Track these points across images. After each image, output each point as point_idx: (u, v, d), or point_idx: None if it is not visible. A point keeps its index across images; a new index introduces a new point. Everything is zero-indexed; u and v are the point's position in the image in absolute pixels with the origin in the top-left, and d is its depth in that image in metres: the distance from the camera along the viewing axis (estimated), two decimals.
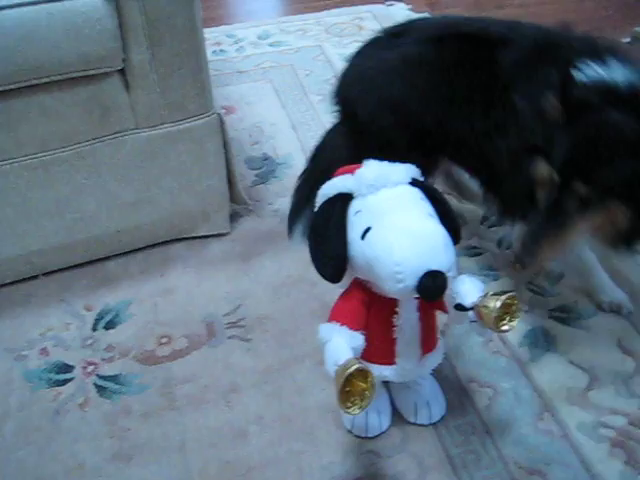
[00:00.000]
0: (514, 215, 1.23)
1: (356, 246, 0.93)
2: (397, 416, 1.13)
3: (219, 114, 1.38)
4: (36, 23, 1.14)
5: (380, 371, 1.00)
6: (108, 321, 1.33)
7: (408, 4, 2.52)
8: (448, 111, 1.23)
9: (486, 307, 0.91)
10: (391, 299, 0.96)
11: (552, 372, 1.20)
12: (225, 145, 1.41)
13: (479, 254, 1.44)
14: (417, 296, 0.91)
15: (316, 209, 0.99)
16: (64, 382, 1.22)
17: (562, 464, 1.06)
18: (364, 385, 0.88)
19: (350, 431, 1.11)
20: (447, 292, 0.92)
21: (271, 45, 2.28)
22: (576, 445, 1.08)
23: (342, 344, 0.91)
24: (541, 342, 1.25)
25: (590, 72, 1.07)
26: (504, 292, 0.92)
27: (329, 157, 1.34)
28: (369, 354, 0.97)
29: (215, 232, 1.50)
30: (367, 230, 0.91)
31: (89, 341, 1.29)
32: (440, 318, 1.11)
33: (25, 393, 1.21)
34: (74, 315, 1.35)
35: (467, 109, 1.22)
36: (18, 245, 1.34)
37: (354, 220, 0.94)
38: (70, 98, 1.24)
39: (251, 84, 2.06)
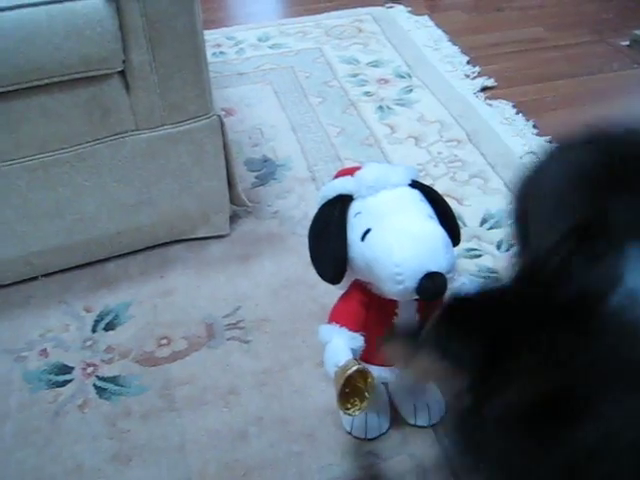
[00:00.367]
0: None
1: (356, 247, 0.93)
2: (396, 418, 1.13)
3: (219, 116, 1.38)
4: (36, 24, 1.14)
5: (380, 373, 1.00)
6: (108, 322, 1.33)
7: (408, 6, 2.52)
8: None
9: None
10: (391, 300, 0.96)
11: None
12: (225, 147, 1.41)
13: (479, 256, 1.44)
14: (417, 297, 0.91)
15: (316, 211, 1.00)
16: (64, 383, 1.22)
17: None
18: (363, 386, 0.88)
19: (349, 432, 1.11)
20: (447, 293, 0.93)
21: (271, 47, 2.28)
22: None
23: (342, 345, 0.92)
24: None
25: None
26: None
27: None
28: (369, 355, 0.98)
29: (215, 234, 1.50)
30: (367, 231, 0.92)
31: (89, 342, 1.29)
32: None
33: (24, 394, 1.21)
34: (74, 316, 1.35)
35: None
36: (18, 246, 1.34)
37: (354, 222, 0.94)
38: (70, 99, 1.24)
39: (251, 86, 2.06)
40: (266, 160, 1.74)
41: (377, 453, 1.09)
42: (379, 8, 2.52)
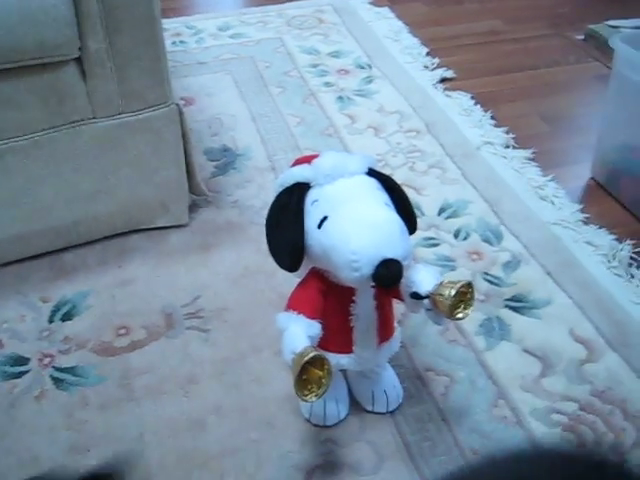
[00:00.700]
0: None
1: (313, 235, 0.93)
2: (355, 405, 1.14)
3: (178, 104, 1.37)
4: None
5: (337, 360, 1.01)
6: (65, 313, 1.31)
7: None
8: None
9: (441, 295, 0.92)
10: (348, 288, 0.97)
11: (507, 360, 1.22)
12: (184, 136, 1.41)
13: (436, 245, 1.46)
14: (373, 284, 0.92)
15: (274, 198, 1.00)
16: (19, 374, 1.21)
17: None
18: (321, 373, 0.89)
19: (308, 420, 1.12)
20: (403, 281, 0.94)
21: (231, 37, 2.27)
22: (529, 431, 1.11)
23: (299, 332, 0.92)
24: (496, 331, 1.27)
25: None
26: (459, 280, 0.94)
27: None
28: (326, 343, 0.98)
29: (174, 223, 1.49)
30: (324, 219, 0.92)
31: (45, 333, 1.28)
32: (398, 308, 1.13)
33: None
34: (30, 307, 1.33)
35: None
36: None
37: (311, 209, 0.94)
38: (25, 86, 1.22)
39: (211, 75, 2.05)
40: (226, 150, 1.73)
41: (336, 440, 1.10)
42: None
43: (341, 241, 0.89)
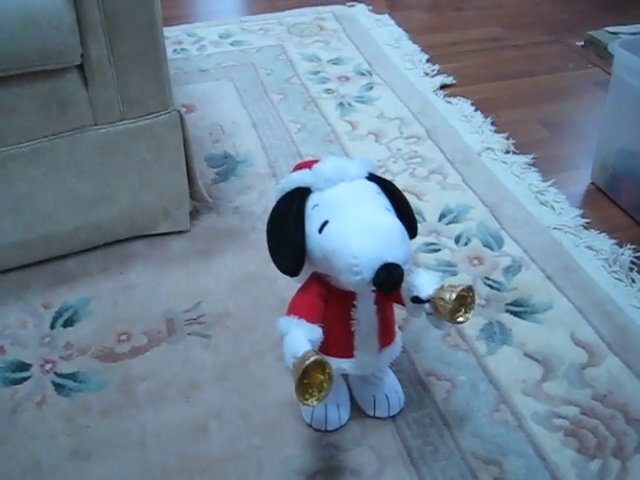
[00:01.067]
0: None
1: (314, 240, 0.94)
2: (356, 410, 1.14)
3: (179, 111, 1.38)
4: None
5: (339, 364, 1.01)
6: (67, 319, 1.32)
7: (368, 5, 2.55)
8: None
9: (442, 299, 0.93)
10: (349, 292, 0.97)
11: (508, 365, 1.22)
12: (185, 142, 1.41)
13: (437, 250, 1.46)
14: (374, 289, 0.92)
15: (275, 203, 1.00)
16: (21, 380, 1.21)
17: (517, 454, 1.08)
18: (322, 377, 0.89)
19: (310, 425, 1.12)
20: (404, 285, 0.94)
21: (232, 44, 2.28)
22: (531, 435, 1.11)
23: (300, 337, 0.92)
24: (497, 335, 1.27)
25: None
26: (460, 284, 0.94)
27: None
28: (327, 347, 0.98)
29: (175, 229, 1.49)
30: (325, 224, 0.92)
31: (47, 339, 1.28)
32: (399, 313, 1.13)
33: None
34: (32, 313, 1.33)
35: None
36: None
37: (312, 214, 0.95)
38: (27, 93, 1.22)
39: (212, 83, 2.06)
40: (227, 156, 1.74)
41: (337, 445, 1.10)
42: (340, 6, 2.53)
43: (342, 245, 0.89)
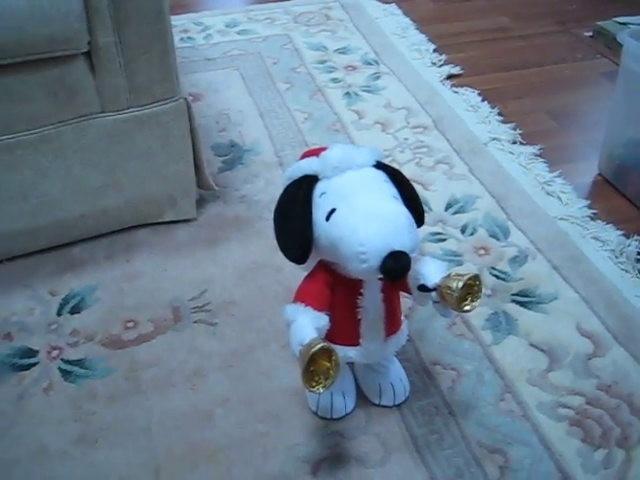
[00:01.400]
0: None
1: (321, 227, 0.94)
2: (362, 398, 1.15)
3: (186, 99, 1.37)
4: None
5: (345, 352, 1.02)
6: (73, 306, 1.32)
7: None
8: None
9: (448, 287, 0.93)
10: (356, 280, 0.97)
11: (513, 354, 1.22)
12: (192, 130, 1.41)
13: (443, 240, 1.46)
14: (381, 276, 0.92)
15: (282, 191, 1.00)
16: (28, 367, 1.21)
17: (522, 443, 1.08)
18: (328, 364, 0.89)
19: (315, 413, 1.12)
20: (411, 273, 0.94)
21: (239, 33, 2.27)
22: (536, 424, 1.11)
23: (307, 324, 0.92)
24: (503, 325, 1.27)
25: None
26: (466, 273, 0.94)
27: None
28: (333, 335, 0.98)
29: (182, 218, 1.49)
30: (332, 211, 0.92)
31: (54, 326, 1.28)
32: (405, 302, 1.13)
33: None
34: (39, 300, 1.34)
35: None
36: None
37: (319, 202, 0.95)
38: (35, 80, 1.22)
39: (219, 71, 2.06)
40: (233, 145, 1.74)
41: (342, 433, 1.10)
42: None
43: (349, 233, 0.89)
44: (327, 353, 0.88)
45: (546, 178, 1.63)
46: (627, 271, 1.39)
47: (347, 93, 1.95)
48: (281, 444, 1.09)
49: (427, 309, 1.24)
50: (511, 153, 1.72)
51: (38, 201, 1.34)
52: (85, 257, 1.42)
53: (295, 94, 1.95)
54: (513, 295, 1.33)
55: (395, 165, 1.64)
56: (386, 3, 2.47)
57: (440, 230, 1.48)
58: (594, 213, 1.54)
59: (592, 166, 1.69)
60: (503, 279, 1.37)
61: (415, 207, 0.98)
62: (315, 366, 0.88)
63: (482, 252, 1.43)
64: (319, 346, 0.87)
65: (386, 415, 1.13)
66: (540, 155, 1.72)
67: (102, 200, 1.39)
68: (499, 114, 1.87)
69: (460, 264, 1.40)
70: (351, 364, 1.14)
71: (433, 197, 1.57)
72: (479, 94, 1.95)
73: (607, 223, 1.51)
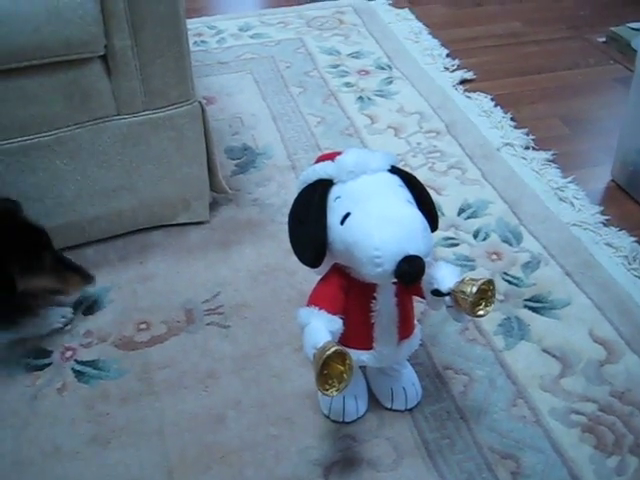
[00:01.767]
0: None
1: (336, 231, 0.94)
2: (374, 402, 1.15)
3: (200, 102, 1.38)
4: (17, 6, 1.14)
5: (358, 356, 1.02)
6: (87, 307, 1.33)
7: None
8: None
9: (463, 292, 0.93)
10: (369, 284, 0.97)
11: (526, 360, 1.22)
12: (206, 133, 1.42)
13: (456, 244, 1.46)
14: (395, 281, 0.93)
15: (297, 194, 1.01)
16: (42, 367, 1.22)
17: (534, 449, 1.08)
18: (342, 368, 0.89)
19: (327, 416, 1.13)
20: (425, 278, 0.94)
21: (252, 37, 2.28)
22: (548, 430, 1.11)
23: (321, 328, 0.93)
24: (515, 331, 1.27)
25: None
26: (480, 278, 0.94)
27: None
28: (347, 339, 0.99)
29: (195, 220, 1.50)
30: (347, 215, 0.93)
31: (67, 327, 1.29)
32: (418, 307, 1.13)
33: (2, 378, 1.20)
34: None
35: None
36: None
37: (334, 206, 0.95)
38: (51, 83, 1.23)
39: (232, 75, 2.06)
40: (246, 148, 1.75)
41: (354, 436, 1.11)
42: (360, 0, 2.52)
43: (364, 237, 0.89)
44: (341, 357, 0.88)
45: (559, 184, 1.63)
46: None
47: (360, 97, 1.96)
48: (293, 447, 1.09)
49: (440, 314, 1.25)
50: (524, 158, 1.72)
51: (53, 202, 1.34)
52: (99, 258, 1.43)
53: (308, 98, 1.95)
54: (526, 300, 1.33)
55: (408, 170, 1.64)
56: (399, 8, 2.47)
57: (453, 235, 1.48)
58: (607, 219, 1.54)
59: (605, 172, 1.69)
60: (515, 284, 1.37)
61: (429, 212, 0.98)
62: (329, 369, 0.89)
63: (494, 257, 1.43)
64: (333, 349, 0.87)
65: (398, 419, 1.13)
66: (553, 161, 1.72)
67: (116, 202, 1.40)
68: (512, 119, 1.87)
69: (472, 269, 1.40)
70: (363, 368, 1.14)
71: (446, 202, 1.57)
72: (492, 99, 1.95)
73: (620, 229, 1.51)
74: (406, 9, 2.46)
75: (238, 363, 1.22)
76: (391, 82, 2.03)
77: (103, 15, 1.21)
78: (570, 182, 1.64)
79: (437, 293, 0.96)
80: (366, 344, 1.03)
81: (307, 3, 2.50)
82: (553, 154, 1.74)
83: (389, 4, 2.50)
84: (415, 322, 1.09)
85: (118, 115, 1.32)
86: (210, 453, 1.09)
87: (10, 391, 1.18)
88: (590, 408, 1.14)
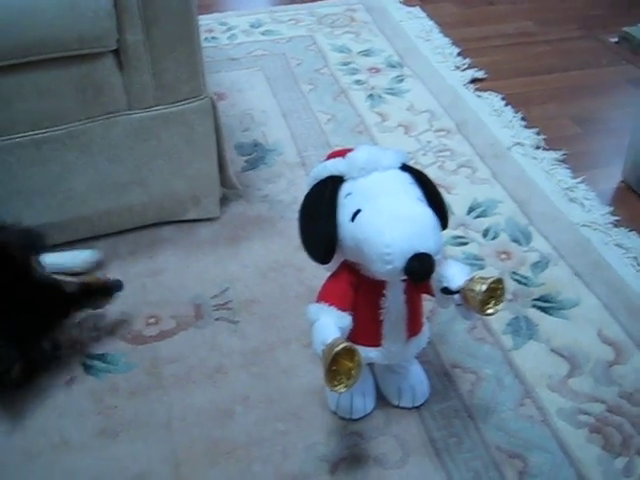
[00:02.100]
0: None
1: (346, 228, 0.94)
2: (381, 399, 1.15)
3: (211, 98, 1.38)
4: (32, 1, 1.14)
5: (366, 353, 1.02)
6: None
7: None
8: None
9: (472, 290, 0.93)
10: (379, 281, 0.97)
11: (534, 359, 1.22)
12: (217, 129, 1.42)
13: (465, 243, 1.46)
14: (404, 278, 0.93)
15: (307, 191, 1.01)
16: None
17: (542, 449, 1.08)
18: (350, 364, 0.89)
19: (335, 413, 1.13)
20: (434, 275, 0.94)
21: (263, 34, 2.28)
22: (556, 430, 1.11)
23: (330, 324, 0.93)
24: (524, 330, 1.27)
25: None
26: (490, 276, 0.94)
27: None
28: (356, 336, 0.99)
29: (205, 216, 1.50)
30: (357, 212, 0.93)
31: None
32: (426, 305, 1.13)
33: None
34: None
35: None
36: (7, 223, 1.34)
37: (344, 202, 0.95)
38: (63, 77, 1.24)
39: (243, 71, 2.07)
40: (256, 145, 1.75)
41: (361, 433, 1.11)
42: None
43: (374, 234, 0.89)
44: (350, 353, 0.88)
45: (569, 184, 1.63)
46: None
47: (370, 95, 1.95)
48: (301, 443, 1.09)
49: (448, 312, 1.25)
50: (534, 158, 1.72)
51: (64, 196, 1.35)
52: (108, 252, 1.43)
53: (318, 95, 1.95)
54: (534, 300, 1.33)
55: (418, 168, 1.64)
56: (410, 6, 2.47)
57: (462, 234, 1.48)
58: (617, 220, 1.53)
59: (616, 173, 1.68)
60: (524, 284, 1.36)
61: (440, 210, 0.98)
62: (337, 366, 0.89)
63: (504, 257, 1.43)
64: (342, 346, 0.87)
65: (405, 417, 1.13)
66: (563, 161, 1.71)
67: (127, 197, 1.41)
68: (523, 119, 1.86)
69: (481, 268, 1.40)
70: (371, 365, 1.14)
71: (455, 201, 1.57)
72: (503, 98, 1.95)
73: (630, 230, 1.50)
74: (417, 7, 2.46)
75: (246, 358, 1.22)
76: (402, 80, 2.03)
77: (116, 10, 1.21)
78: (580, 182, 1.64)
79: (446, 291, 0.96)
80: (374, 341, 1.03)
81: (318, 0, 2.50)
82: (563, 154, 1.73)
83: (400, 2, 2.50)
84: (424, 320, 1.09)
85: (129, 110, 1.32)
86: (218, 448, 1.09)
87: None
88: (598, 409, 1.14)
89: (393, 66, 2.10)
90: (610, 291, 1.35)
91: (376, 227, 0.90)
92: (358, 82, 2.02)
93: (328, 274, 1.04)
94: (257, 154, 1.72)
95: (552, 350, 1.24)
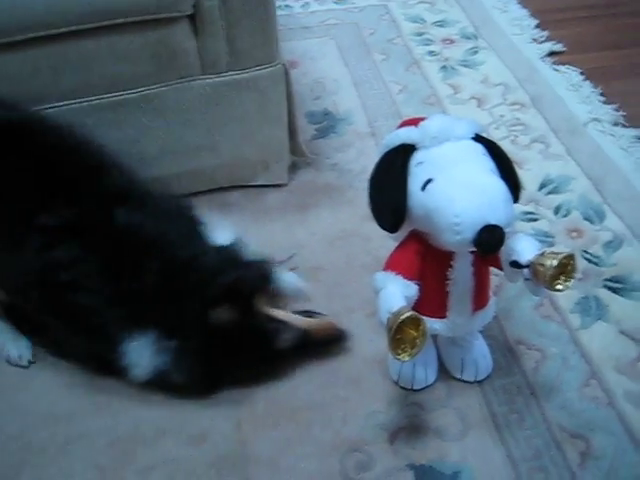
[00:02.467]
0: None
1: (416, 197, 0.93)
2: (443, 371, 1.15)
3: (284, 65, 1.39)
4: None
5: (431, 324, 1.01)
6: None
7: None
8: None
9: (542, 265, 0.91)
10: (447, 252, 0.97)
11: (602, 340, 1.19)
12: (288, 96, 1.43)
13: (535, 219, 1.43)
14: (473, 249, 0.92)
15: (379, 158, 1.00)
16: None
17: (606, 431, 1.06)
18: (415, 333, 0.89)
19: (396, 382, 1.13)
20: (503, 249, 0.93)
21: (336, 3, 2.26)
22: (622, 414, 1.08)
23: (396, 292, 0.93)
24: (593, 310, 1.24)
25: None
26: (561, 252, 0.92)
27: None
28: (421, 306, 0.98)
29: (273, 182, 1.52)
30: (428, 181, 0.92)
31: None
32: (494, 279, 1.12)
33: None
34: None
35: None
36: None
37: (415, 171, 0.95)
38: (139, 41, 1.26)
39: (315, 40, 2.06)
40: (327, 113, 1.74)
41: (422, 404, 1.11)
42: None
43: (445, 204, 0.89)
44: (415, 322, 0.88)
45: None
46: None
47: (444, 67, 1.92)
48: (361, 410, 1.10)
49: (515, 287, 1.22)
50: (612, 135, 1.66)
51: (137, 157, 1.37)
52: None
53: (391, 65, 1.93)
54: (605, 280, 1.30)
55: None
56: None
57: (532, 210, 1.45)
58: None
59: None
60: (595, 263, 1.33)
61: (512, 182, 0.96)
62: (402, 334, 0.89)
63: (575, 235, 1.40)
64: (407, 314, 0.87)
65: (466, 390, 1.13)
66: None
67: (197, 160, 1.43)
68: (601, 94, 1.80)
69: (551, 245, 1.37)
70: (434, 337, 1.13)
71: (527, 176, 1.53)
72: (581, 73, 1.88)
73: None
74: None
75: None
76: (476, 52, 1.98)
77: None
78: None
79: (516, 265, 0.94)
80: (440, 312, 1.03)
81: None
82: None
83: None
84: (490, 294, 1.08)
85: (203, 75, 1.34)
86: (279, 409, 1.11)
87: None
88: None
89: (468, 37, 2.05)
90: None
91: (447, 196, 0.89)
92: (431, 53, 1.98)
93: (395, 245, 1.04)
94: (327, 123, 1.71)
95: (621, 332, 1.20)
